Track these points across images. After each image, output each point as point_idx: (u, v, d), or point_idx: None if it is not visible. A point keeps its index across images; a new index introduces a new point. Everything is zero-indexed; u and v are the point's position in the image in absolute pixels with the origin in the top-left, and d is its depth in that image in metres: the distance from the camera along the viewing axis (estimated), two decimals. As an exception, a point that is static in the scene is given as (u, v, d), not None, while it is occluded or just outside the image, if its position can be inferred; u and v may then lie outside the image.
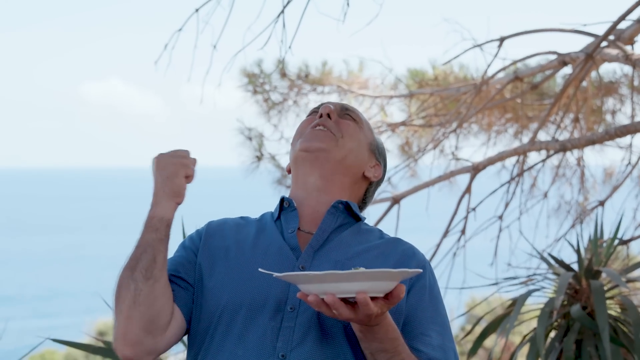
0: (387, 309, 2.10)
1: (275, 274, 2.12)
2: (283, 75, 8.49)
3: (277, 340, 2.25)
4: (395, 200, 7.69)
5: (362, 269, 2.03)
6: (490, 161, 7.37)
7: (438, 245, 7.34)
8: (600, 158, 8.53)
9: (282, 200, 2.49)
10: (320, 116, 2.54)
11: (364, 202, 2.61)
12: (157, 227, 2.26)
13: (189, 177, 2.32)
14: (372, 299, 2.06)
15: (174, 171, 2.29)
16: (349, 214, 2.48)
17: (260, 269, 2.25)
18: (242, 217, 2.55)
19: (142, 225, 2.29)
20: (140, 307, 2.22)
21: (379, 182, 2.62)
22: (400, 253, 2.41)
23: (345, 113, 2.56)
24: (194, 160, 2.33)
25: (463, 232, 7.34)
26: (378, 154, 2.60)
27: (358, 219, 2.51)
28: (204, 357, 2.33)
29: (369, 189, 2.60)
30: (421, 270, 2.14)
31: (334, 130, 2.50)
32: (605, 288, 4.54)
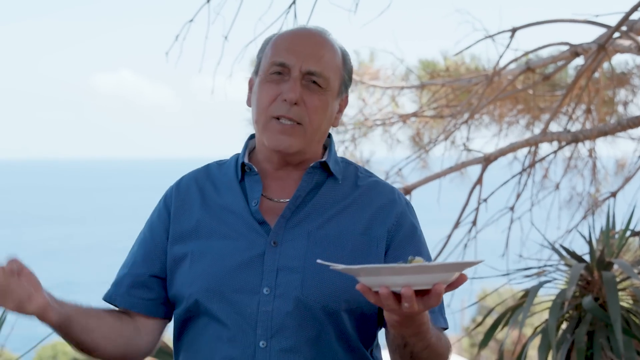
0: (435, 303, 2.02)
1: (333, 266, 2.00)
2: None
3: (256, 327, 2.22)
4: (407, 191, 7.69)
5: (427, 262, 1.98)
6: (502, 152, 7.36)
7: (449, 237, 7.34)
8: (612, 149, 8.51)
9: (243, 164, 2.39)
10: (285, 100, 2.33)
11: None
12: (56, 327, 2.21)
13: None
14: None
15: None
16: (323, 169, 2.38)
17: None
18: (206, 168, 2.47)
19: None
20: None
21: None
22: (376, 208, 2.34)
23: (311, 80, 2.33)
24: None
25: (474, 223, 7.33)
26: (345, 88, 2.44)
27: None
28: (186, 342, 2.34)
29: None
30: (483, 260, 2.09)
31: (301, 118, 2.32)
32: (617, 279, 4.53)
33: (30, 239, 73.85)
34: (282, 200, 2.35)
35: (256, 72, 2.45)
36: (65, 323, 2.20)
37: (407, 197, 7.71)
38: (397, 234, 2.32)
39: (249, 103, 2.45)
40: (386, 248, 2.30)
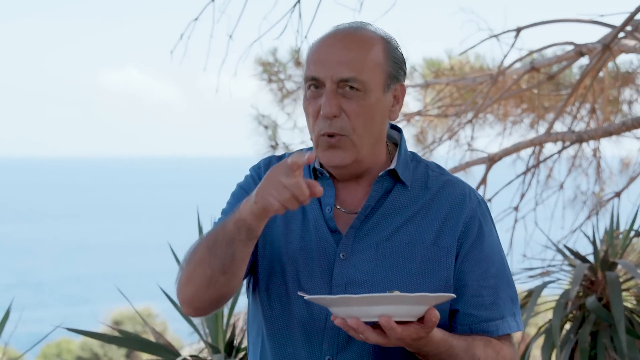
0: (425, 333, 2.00)
1: (306, 297, 2.04)
2: (298, 64, 8.49)
3: (322, 342, 2.19)
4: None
5: (388, 294, 1.95)
6: (506, 152, 7.35)
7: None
8: (617, 149, 8.50)
9: (315, 169, 2.29)
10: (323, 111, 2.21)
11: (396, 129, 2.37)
12: (238, 226, 2.07)
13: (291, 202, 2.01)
14: (404, 323, 1.97)
15: (271, 193, 2.02)
16: (391, 175, 2.26)
17: (299, 293, 2.14)
18: (279, 160, 2.35)
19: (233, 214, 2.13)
20: (212, 291, 2.16)
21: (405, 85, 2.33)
22: (446, 213, 2.22)
23: (347, 85, 2.19)
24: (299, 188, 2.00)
25: (478, 222, 7.31)
26: (393, 79, 2.26)
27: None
28: (264, 350, 2.29)
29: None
30: (452, 296, 2.00)
31: (344, 130, 2.19)
32: (621, 280, 4.53)
33: (37, 236, 73.92)
34: (350, 211, 2.26)
35: None
36: (250, 234, 2.09)
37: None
38: (465, 242, 2.21)
39: None
40: (456, 259, 2.20)
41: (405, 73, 2.28)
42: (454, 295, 2.02)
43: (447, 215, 2.22)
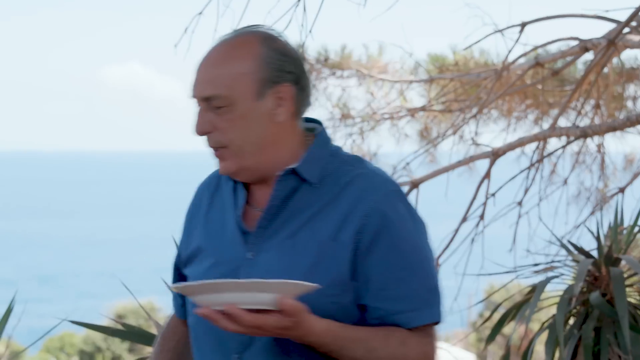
0: (290, 323, 2.01)
1: (172, 287, 2.14)
2: (302, 59, 8.48)
3: (228, 340, 2.21)
4: (414, 185, 7.69)
5: (227, 280, 1.99)
6: (510, 147, 7.35)
7: (456, 231, 7.33)
8: (621, 145, 8.49)
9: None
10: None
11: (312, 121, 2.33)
12: None
13: None
14: (264, 311, 1.99)
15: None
16: (296, 175, 2.24)
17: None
18: (208, 183, 2.42)
19: None
20: None
21: (303, 84, 2.26)
22: (350, 203, 2.19)
23: (214, 106, 2.21)
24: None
25: (482, 217, 7.32)
26: (274, 81, 2.22)
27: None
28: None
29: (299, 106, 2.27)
30: (298, 283, 2.01)
31: (223, 143, 2.22)
32: (625, 275, 4.52)
33: (39, 232, 74.01)
34: (261, 208, 2.28)
35: None
36: None
37: (415, 190, 7.73)
38: (365, 236, 2.18)
39: None
40: (355, 254, 2.17)
41: (294, 72, 2.24)
42: (301, 282, 2.01)
43: (349, 209, 2.19)
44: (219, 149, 2.23)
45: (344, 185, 2.22)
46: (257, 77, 2.20)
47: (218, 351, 2.23)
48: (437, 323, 2.22)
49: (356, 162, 2.28)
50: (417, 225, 2.24)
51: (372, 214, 2.18)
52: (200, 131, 2.22)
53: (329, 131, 2.40)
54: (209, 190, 2.39)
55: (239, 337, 2.15)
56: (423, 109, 8.60)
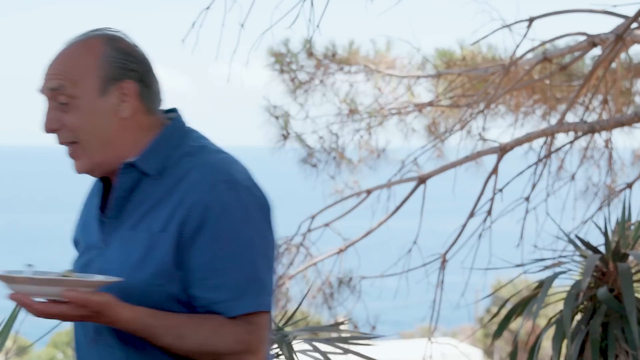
0: (88, 312, 2.15)
1: None
2: (310, 54, 8.48)
3: (85, 326, 2.35)
4: (422, 180, 7.69)
5: (18, 273, 2.18)
6: (518, 142, 7.34)
7: (464, 226, 7.33)
8: (629, 140, 8.48)
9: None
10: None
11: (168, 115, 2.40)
12: None
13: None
14: (57, 302, 2.14)
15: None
16: (137, 168, 2.33)
17: None
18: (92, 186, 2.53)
19: None
20: None
21: (148, 81, 2.35)
22: (182, 194, 2.26)
23: (60, 102, 2.30)
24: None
25: (489, 213, 7.32)
26: (116, 78, 2.31)
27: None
28: None
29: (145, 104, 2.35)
30: (91, 282, 2.17)
31: (70, 138, 2.31)
32: (633, 271, 4.51)
33: (37, 225, 74.16)
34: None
35: None
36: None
37: (422, 186, 7.73)
38: (188, 227, 2.25)
39: None
40: (178, 246, 2.25)
41: (137, 70, 2.33)
42: (79, 280, 2.16)
43: (179, 201, 2.26)
44: (70, 146, 2.32)
45: (181, 177, 2.29)
46: (99, 75, 2.30)
47: (81, 331, 2.38)
48: (266, 312, 2.26)
49: (198, 153, 2.34)
50: (249, 216, 2.27)
51: (195, 206, 2.24)
52: (49, 128, 2.31)
53: (186, 119, 2.44)
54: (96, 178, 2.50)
55: (91, 323, 2.30)
56: (431, 104, 8.59)
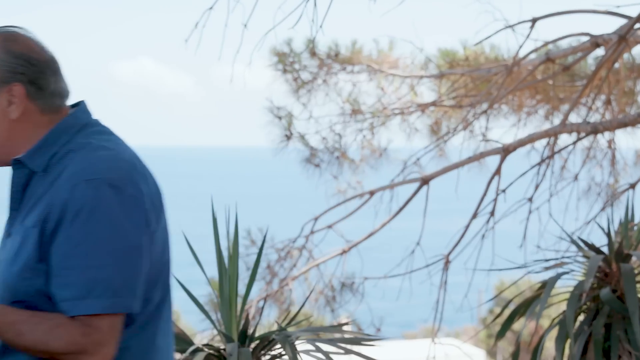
0: None
1: None
2: (313, 54, 8.48)
3: None
4: (425, 181, 7.68)
5: None
6: (521, 143, 7.34)
7: (467, 227, 7.33)
8: (632, 140, 8.47)
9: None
10: None
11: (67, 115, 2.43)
12: None
13: None
14: None
15: None
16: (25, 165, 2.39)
17: None
18: None
19: None
20: None
21: (40, 83, 2.38)
22: (53, 192, 2.30)
23: None
24: None
25: (492, 214, 7.31)
26: (4, 81, 2.36)
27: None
28: None
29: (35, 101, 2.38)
30: None
31: None
32: (636, 271, 4.52)
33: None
34: None
35: None
36: None
37: (425, 187, 7.72)
38: (48, 224, 2.28)
39: None
40: (41, 242, 2.28)
41: (25, 73, 2.35)
42: None
43: (49, 198, 2.29)
44: None
45: (59, 175, 2.31)
46: None
47: None
48: (113, 315, 2.24)
49: (80, 149, 2.35)
50: (106, 216, 2.25)
51: (57, 204, 2.26)
52: None
53: (94, 114, 2.49)
54: None
55: None
56: (433, 104, 8.59)
